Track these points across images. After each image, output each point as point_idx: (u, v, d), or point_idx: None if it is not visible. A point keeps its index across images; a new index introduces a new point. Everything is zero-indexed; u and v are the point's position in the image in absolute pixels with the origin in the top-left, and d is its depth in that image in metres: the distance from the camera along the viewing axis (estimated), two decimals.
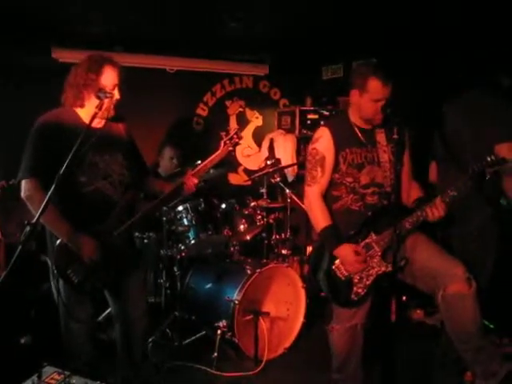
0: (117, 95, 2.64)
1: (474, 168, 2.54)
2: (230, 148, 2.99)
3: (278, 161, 5.18)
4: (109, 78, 2.60)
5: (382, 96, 2.66)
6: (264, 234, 4.66)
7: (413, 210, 2.70)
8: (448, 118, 3.15)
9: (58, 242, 2.52)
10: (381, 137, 2.83)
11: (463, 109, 3.09)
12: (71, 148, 2.22)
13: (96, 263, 2.53)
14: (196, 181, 2.90)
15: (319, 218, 2.80)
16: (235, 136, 3.01)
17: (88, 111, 2.59)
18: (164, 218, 3.96)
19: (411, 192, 2.88)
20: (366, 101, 2.69)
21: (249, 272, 3.82)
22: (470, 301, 2.61)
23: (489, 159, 2.51)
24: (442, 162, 3.27)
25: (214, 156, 2.95)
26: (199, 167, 2.94)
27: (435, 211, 2.62)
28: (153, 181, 3.07)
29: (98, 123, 2.62)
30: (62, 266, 2.53)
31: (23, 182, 2.53)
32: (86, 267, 2.53)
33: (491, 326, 2.72)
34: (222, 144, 3.00)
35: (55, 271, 2.54)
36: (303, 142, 5.56)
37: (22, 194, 2.53)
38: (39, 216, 2.05)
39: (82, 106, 2.63)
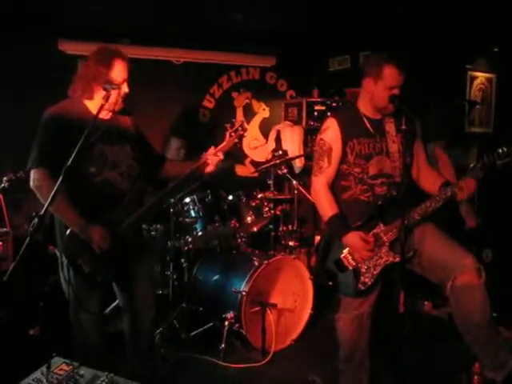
0: (125, 89, 2.65)
1: (485, 160, 2.53)
2: (236, 140, 2.97)
3: (285, 152, 5.16)
4: (119, 71, 2.60)
5: (397, 83, 2.65)
6: (271, 226, 4.66)
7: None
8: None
9: (69, 231, 2.52)
10: (390, 127, 2.81)
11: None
12: (79, 139, 2.23)
13: (106, 253, 2.54)
14: (221, 156, 2.87)
15: (326, 208, 2.79)
16: (240, 128, 2.99)
17: (97, 103, 2.58)
18: (171, 210, 3.96)
19: (433, 179, 2.84)
20: (381, 88, 2.67)
21: (256, 263, 3.82)
22: (479, 292, 2.60)
23: (500, 151, 2.49)
24: None
25: (218, 148, 2.93)
26: (203, 159, 2.91)
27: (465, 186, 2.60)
28: (172, 165, 3.06)
29: (105, 115, 2.63)
30: (72, 255, 2.54)
31: (32, 172, 2.53)
32: (96, 257, 2.54)
33: (494, 315, 2.73)
34: (228, 136, 2.98)
35: (65, 261, 2.55)
36: (310, 134, 5.53)
37: (31, 184, 2.53)
38: (48, 205, 2.06)
39: (90, 98, 2.63)
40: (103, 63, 2.58)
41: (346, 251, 2.76)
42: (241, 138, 3.00)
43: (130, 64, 2.66)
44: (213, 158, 2.86)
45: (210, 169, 2.89)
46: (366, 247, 2.67)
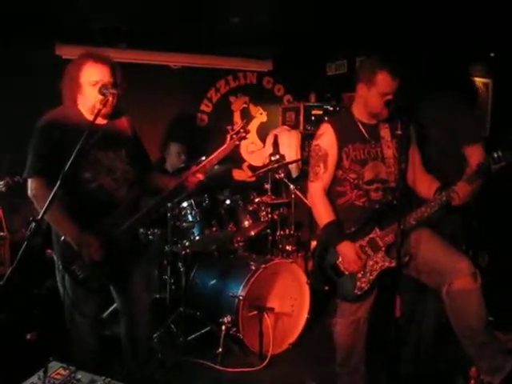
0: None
1: (480, 164, 2.54)
2: (237, 142, 2.95)
3: (283, 157, 5.17)
4: (89, 73, 2.53)
5: (391, 89, 2.65)
6: (268, 230, 4.66)
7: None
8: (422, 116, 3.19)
9: (63, 237, 2.52)
10: (385, 132, 2.82)
11: (435, 109, 3.17)
12: (75, 145, 2.21)
13: (100, 261, 2.53)
14: (201, 177, 2.82)
15: (322, 214, 2.80)
16: (242, 130, 2.97)
17: (85, 109, 2.59)
18: (168, 214, 3.96)
19: (428, 184, 2.84)
20: (374, 94, 2.68)
21: (253, 268, 3.82)
22: (474, 296, 2.61)
23: (495, 155, 2.50)
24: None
25: (220, 151, 2.89)
26: (204, 163, 2.87)
27: (460, 191, 2.60)
28: (156, 177, 3.02)
29: (100, 120, 2.60)
30: (67, 261, 2.53)
31: (29, 181, 2.54)
32: (91, 263, 2.53)
33: (490, 318, 2.74)
34: (229, 138, 2.95)
35: (60, 266, 2.55)
36: (307, 138, 5.54)
37: (29, 193, 2.54)
38: (43, 214, 2.04)
39: (74, 104, 2.60)
40: (74, 67, 2.56)
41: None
42: (242, 140, 2.98)
43: (110, 66, 2.59)
44: (192, 178, 2.81)
45: (191, 188, 2.83)
46: (356, 260, 2.69)
